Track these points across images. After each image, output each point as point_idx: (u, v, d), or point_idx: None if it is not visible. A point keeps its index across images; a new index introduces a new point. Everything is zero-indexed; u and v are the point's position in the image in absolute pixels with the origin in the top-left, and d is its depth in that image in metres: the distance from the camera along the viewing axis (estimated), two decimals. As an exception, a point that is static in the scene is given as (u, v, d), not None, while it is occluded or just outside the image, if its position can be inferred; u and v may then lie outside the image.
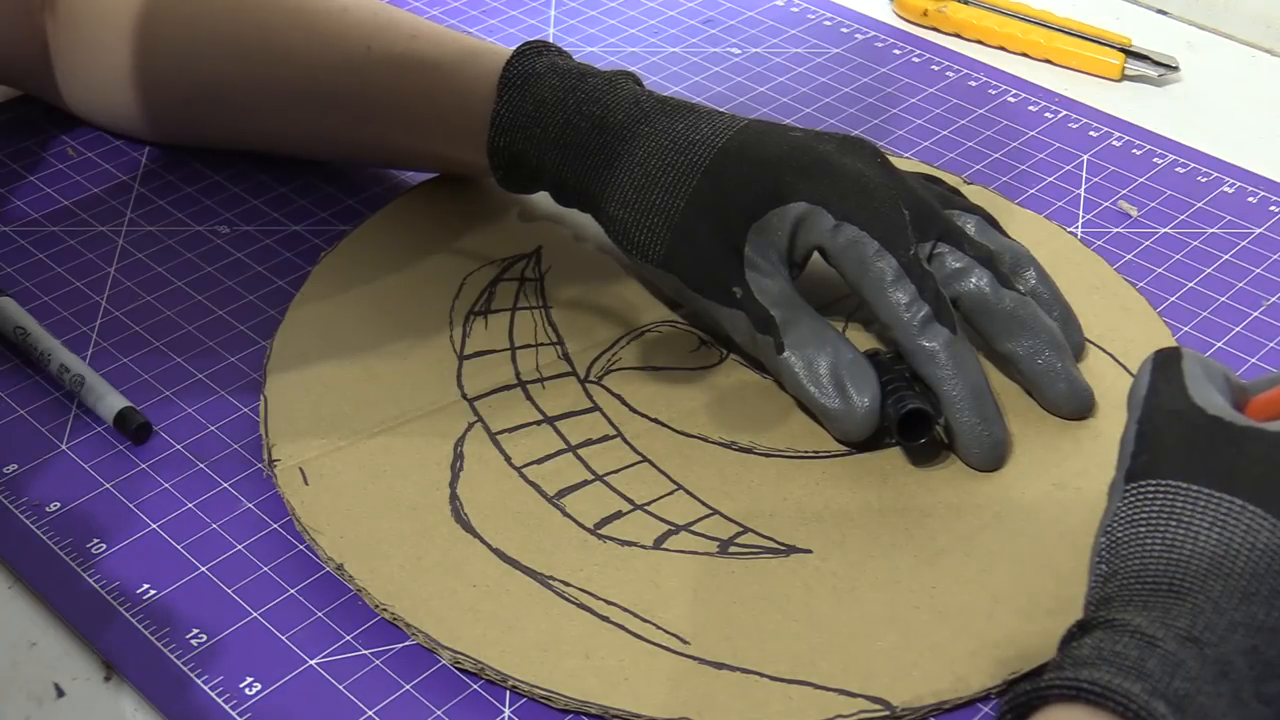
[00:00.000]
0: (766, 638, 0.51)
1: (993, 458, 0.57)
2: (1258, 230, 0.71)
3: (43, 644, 0.52)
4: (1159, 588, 0.42)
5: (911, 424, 0.57)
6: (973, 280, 0.59)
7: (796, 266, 0.60)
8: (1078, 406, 0.59)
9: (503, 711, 0.50)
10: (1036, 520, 0.56)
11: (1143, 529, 0.44)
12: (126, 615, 0.52)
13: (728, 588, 0.53)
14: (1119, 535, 0.44)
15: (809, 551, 0.54)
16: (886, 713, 0.49)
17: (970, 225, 0.62)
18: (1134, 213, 0.72)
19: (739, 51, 0.85)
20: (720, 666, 0.50)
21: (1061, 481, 0.57)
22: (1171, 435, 0.45)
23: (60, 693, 0.50)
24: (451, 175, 0.72)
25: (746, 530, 0.55)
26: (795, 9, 0.89)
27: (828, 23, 0.88)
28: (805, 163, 0.59)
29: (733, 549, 0.55)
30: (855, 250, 0.58)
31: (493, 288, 0.66)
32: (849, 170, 0.59)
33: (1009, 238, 0.63)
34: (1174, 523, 0.43)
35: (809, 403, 0.58)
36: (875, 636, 0.51)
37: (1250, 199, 0.74)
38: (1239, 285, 0.68)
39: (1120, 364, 0.62)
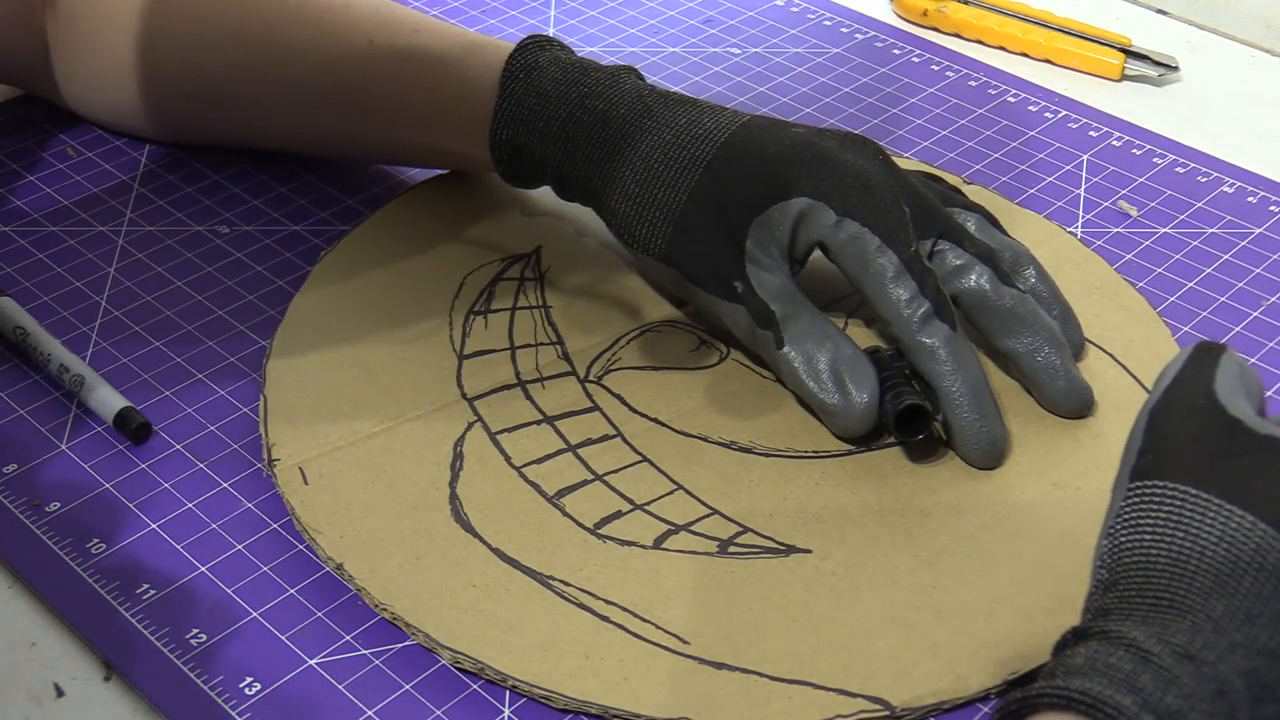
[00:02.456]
0: (766, 638, 0.51)
1: (992, 455, 0.57)
2: (1258, 230, 0.71)
3: (43, 644, 0.52)
4: (1160, 602, 0.41)
5: (909, 420, 0.57)
6: (973, 277, 0.59)
7: (797, 262, 0.60)
8: (1077, 404, 0.59)
9: (502, 711, 0.50)
10: (1036, 520, 0.56)
11: (1147, 536, 0.43)
12: (126, 615, 0.52)
13: (727, 588, 0.53)
14: (1121, 540, 0.43)
15: (809, 551, 0.54)
16: (886, 713, 0.49)
17: (970, 223, 0.62)
18: (1134, 213, 0.72)
19: (739, 51, 0.85)
20: (720, 666, 0.50)
21: (1061, 481, 0.57)
22: (1184, 433, 0.44)
23: (60, 693, 0.50)
24: (454, 170, 0.72)
25: (746, 530, 0.55)
26: (795, 9, 0.89)
27: (828, 23, 0.88)
28: (807, 158, 0.59)
29: (732, 549, 0.55)
30: (856, 246, 0.58)
31: (492, 287, 0.66)
32: (851, 166, 0.59)
33: (1009, 236, 0.63)
34: (1180, 533, 0.42)
35: (808, 398, 0.58)
36: (875, 636, 0.51)
37: (1250, 199, 0.74)
38: (1239, 285, 0.68)
39: (1120, 364, 0.62)
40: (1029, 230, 0.68)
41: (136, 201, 0.71)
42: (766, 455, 0.58)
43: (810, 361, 0.58)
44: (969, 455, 0.57)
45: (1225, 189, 0.74)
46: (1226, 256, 0.70)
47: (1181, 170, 0.75)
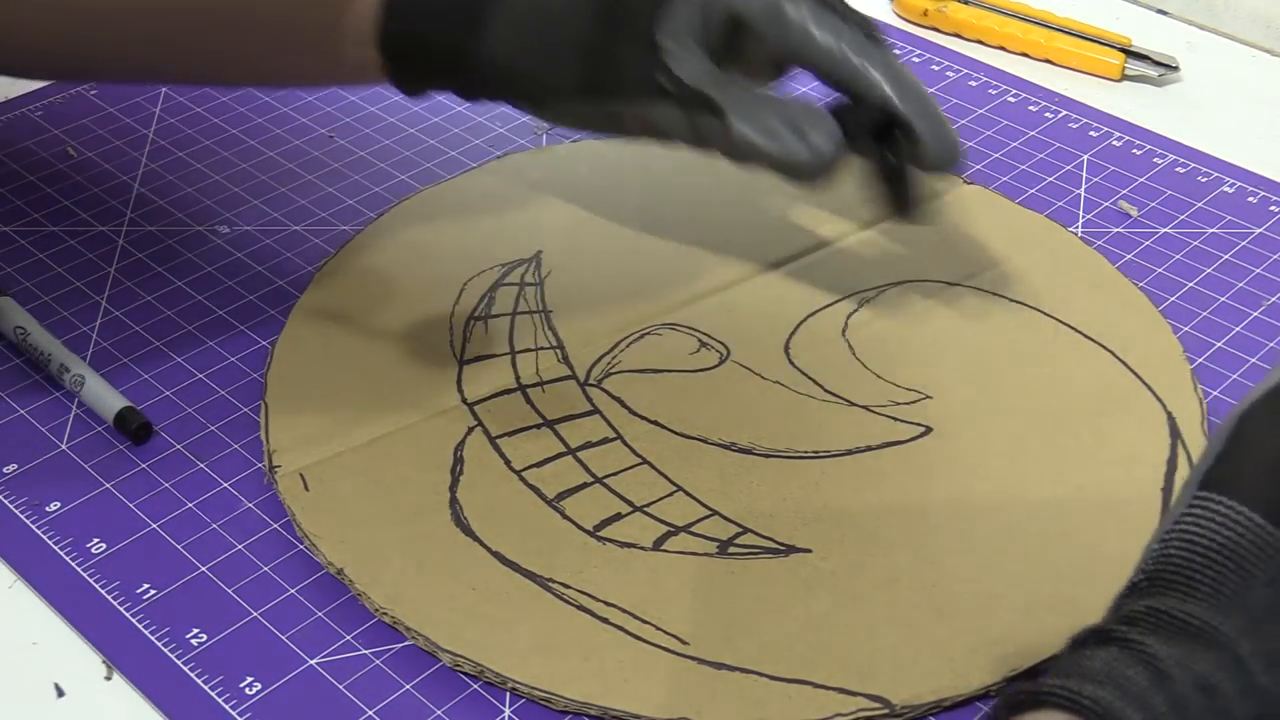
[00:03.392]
0: (766, 637, 0.51)
1: (954, 152, 0.58)
2: (1258, 230, 0.71)
3: (43, 644, 0.52)
4: (1189, 628, 0.39)
5: (883, 136, 0.57)
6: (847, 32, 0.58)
7: (716, 52, 0.58)
8: (953, 149, 0.59)
9: (502, 712, 0.50)
10: (1036, 519, 0.56)
11: (1197, 557, 0.40)
12: (126, 615, 0.52)
13: (727, 588, 0.53)
14: (1170, 552, 0.40)
15: (809, 551, 0.55)
16: (886, 711, 0.49)
17: None
18: (1134, 213, 0.72)
19: (739, 52, 0.85)
20: (720, 666, 0.50)
21: (1061, 480, 0.57)
22: (1267, 453, 0.40)
23: (60, 693, 0.51)
24: (339, 87, 0.67)
25: (746, 531, 0.55)
26: (795, 9, 0.89)
27: (828, 23, 0.88)
28: None
29: (732, 549, 0.55)
30: (768, 4, 0.57)
31: (493, 293, 0.66)
32: None
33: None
34: (1231, 565, 0.39)
35: (773, 166, 0.57)
36: (875, 635, 0.51)
37: (1250, 199, 0.74)
38: (1239, 285, 0.68)
39: (1121, 361, 0.62)
40: (1029, 230, 0.68)
41: (136, 201, 0.71)
42: (766, 456, 0.58)
43: (763, 127, 0.56)
44: (934, 158, 0.58)
45: (1225, 189, 0.74)
46: (1226, 256, 0.70)
47: (1181, 170, 0.75)
